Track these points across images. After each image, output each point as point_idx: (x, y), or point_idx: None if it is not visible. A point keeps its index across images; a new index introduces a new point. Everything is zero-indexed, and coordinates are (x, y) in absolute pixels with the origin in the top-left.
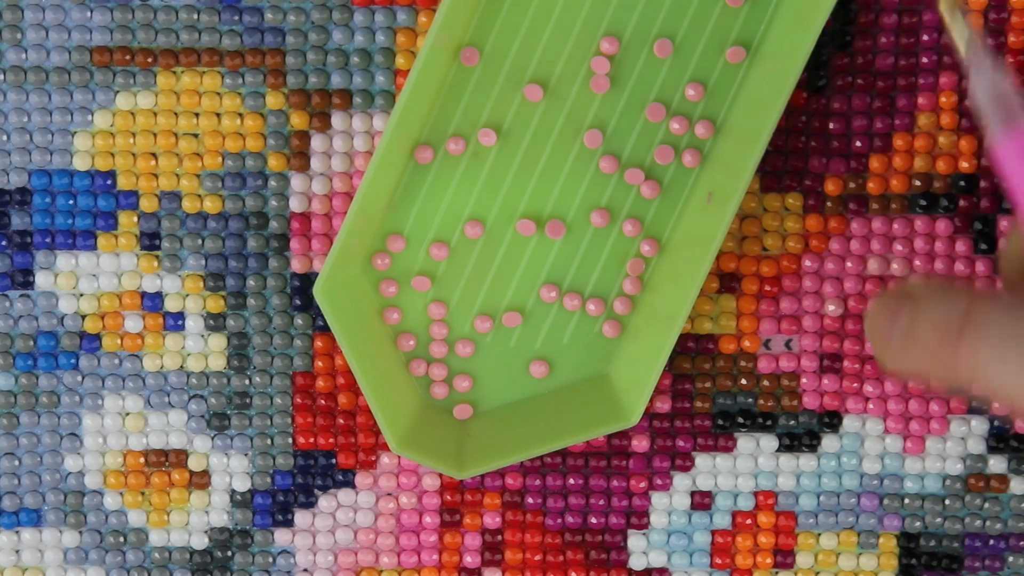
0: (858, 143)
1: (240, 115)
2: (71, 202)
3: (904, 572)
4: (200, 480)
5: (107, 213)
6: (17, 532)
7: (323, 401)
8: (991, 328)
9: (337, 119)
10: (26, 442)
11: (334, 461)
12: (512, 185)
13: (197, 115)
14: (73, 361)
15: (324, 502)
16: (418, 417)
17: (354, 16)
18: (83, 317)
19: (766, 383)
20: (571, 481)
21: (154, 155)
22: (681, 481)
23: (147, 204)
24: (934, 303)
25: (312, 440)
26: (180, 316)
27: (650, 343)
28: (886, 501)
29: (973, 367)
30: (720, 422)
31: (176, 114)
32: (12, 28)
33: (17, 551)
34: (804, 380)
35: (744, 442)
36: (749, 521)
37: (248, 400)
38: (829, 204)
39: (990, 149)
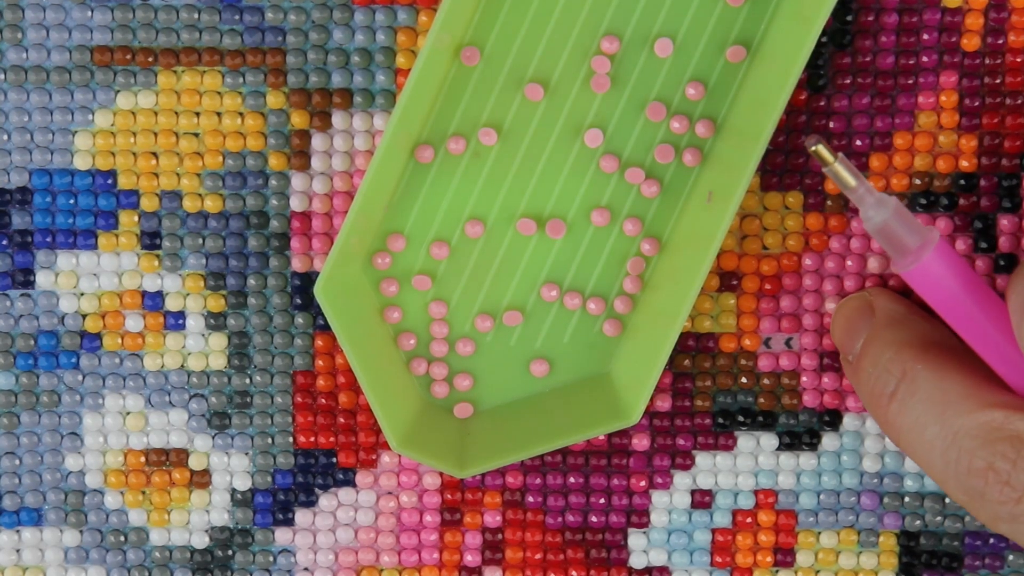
0: (858, 142)
1: (241, 114)
2: (72, 201)
3: (904, 570)
4: (201, 479)
5: (108, 212)
6: (18, 531)
7: (324, 400)
8: (917, 399)
9: (338, 118)
10: (27, 441)
11: (335, 460)
12: (512, 184)
13: (198, 114)
14: (74, 360)
15: (325, 501)
16: (419, 416)
17: (355, 15)
18: (84, 316)
19: (766, 381)
20: (571, 480)
21: (155, 154)
22: (681, 480)
23: (148, 203)
24: (878, 353)
25: (313, 439)
26: (181, 315)
27: (650, 342)
28: (886, 499)
29: (896, 433)
30: (720, 420)
31: (177, 113)
32: (12, 27)
33: (18, 550)
34: (804, 378)
35: (744, 440)
36: (749, 520)
37: (249, 399)
38: (829, 203)
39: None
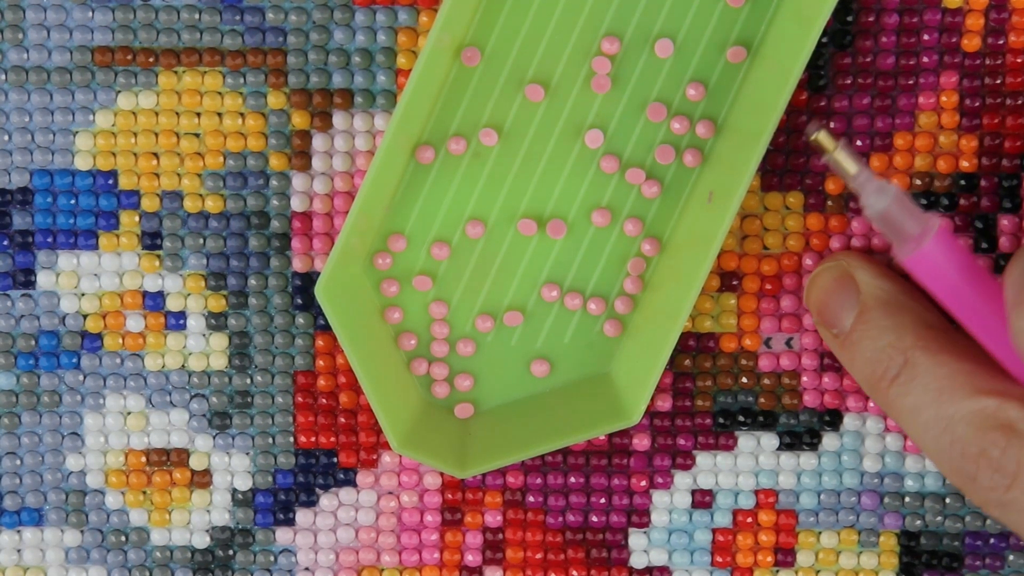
0: (859, 142)
1: (242, 115)
2: (73, 202)
3: (905, 570)
4: (201, 479)
5: (109, 213)
6: (19, 531)
7: (324, 400)
8: (916, 383)
9: (338, 119)
10: (28, 441)
11: (335, 460)
12: (513, 185)
13: (199, 115)
14: (75, 360)
15: (325, 501)
16: (419, 416)
17: (355, 16)
18: (85, 316)
19: (767, 381)
20: (572, 480)
21: (156, 155)
22: (682, 479)
23: (148, 204)
24: (877, 336)
25: (313, 439)
26: (181, 315)
27: (651, 342)
28: (887, 499)
29: (896, 413)
30: (721, 420)
31: (178, 114)
32: (14, 28)
33: (19, 550)
34: (805, 378)
35: (745, 440)
36: (750, 519)
37: (249, 399)
38: (830, 203)
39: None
